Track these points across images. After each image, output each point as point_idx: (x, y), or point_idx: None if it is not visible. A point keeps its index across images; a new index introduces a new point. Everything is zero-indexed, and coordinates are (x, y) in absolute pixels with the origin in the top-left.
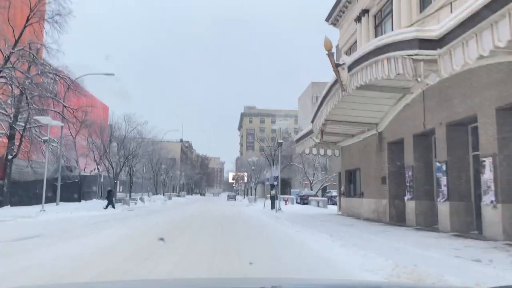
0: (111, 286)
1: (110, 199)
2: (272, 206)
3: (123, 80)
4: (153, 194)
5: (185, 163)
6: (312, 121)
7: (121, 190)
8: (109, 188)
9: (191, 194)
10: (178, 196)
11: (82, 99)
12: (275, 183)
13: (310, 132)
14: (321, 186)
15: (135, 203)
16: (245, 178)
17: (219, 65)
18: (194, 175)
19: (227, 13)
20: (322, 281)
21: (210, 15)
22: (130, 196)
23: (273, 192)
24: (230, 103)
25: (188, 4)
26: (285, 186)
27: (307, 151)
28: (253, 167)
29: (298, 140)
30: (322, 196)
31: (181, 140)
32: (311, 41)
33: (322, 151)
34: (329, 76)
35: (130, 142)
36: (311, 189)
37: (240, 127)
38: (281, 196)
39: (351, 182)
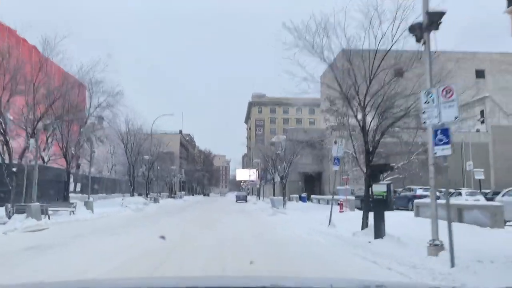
0: (109, 285)
1: None
2: (378, 227)
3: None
4: (139, 195)
5: (185, 158)
6: None
7: (78, 189)
8: None
9: (193, 195)
10: (173, 197)
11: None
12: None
13: None
14: (381, 180)
15: (72, 211)
16: (258, 174)
17: (222, 56)
18: (195, 172)
19: None
20: (321, 279)
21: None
22: (67, 198)
23: (379, 188)
24: (235, 98)
25: None
26: (312, 183)
27: None
28: (278, 151)
29: None
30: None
31: (180, 132)
32: None
33: None
34: None
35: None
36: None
37: (247, 119)
38: (315, 196)
39: None
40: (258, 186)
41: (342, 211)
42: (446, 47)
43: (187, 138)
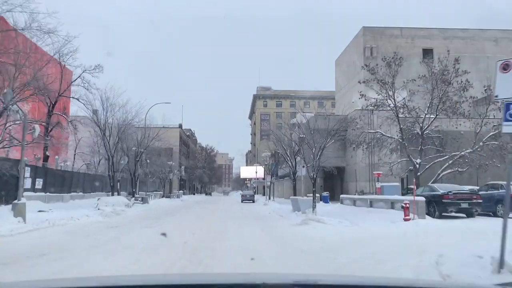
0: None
1: None
2: None
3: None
4: (127, 194)
5: (186, 155)
6: None
7: (39, 186)
8: None
9: (193, 194)
10: (169, 197)
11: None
12: None
13: None
14: (438, 175)
15: None
16: (269, 169)
17: (225, 49)
18: (196, 170)
19: None
20: (322, 276)
21: None
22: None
23: None
24: (238, 96)
25: None
26: (332, 179)
27: None
28: (301, 135)
29: None
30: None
31: (180, 126)
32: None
33: None
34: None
35: None
36: (417, 180)
37: (252, 114)
38: (346, 196)
39: None
40: (268, 183)
41: (409, 219)
42: None
43: (188, 134)
